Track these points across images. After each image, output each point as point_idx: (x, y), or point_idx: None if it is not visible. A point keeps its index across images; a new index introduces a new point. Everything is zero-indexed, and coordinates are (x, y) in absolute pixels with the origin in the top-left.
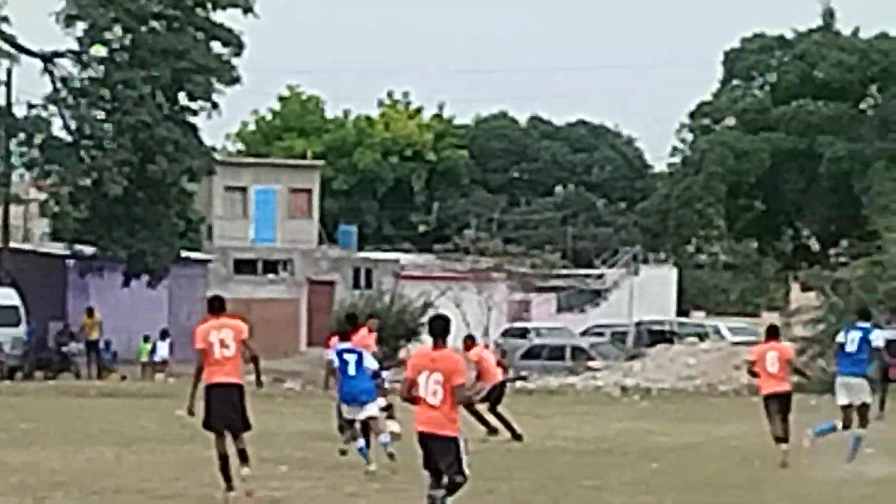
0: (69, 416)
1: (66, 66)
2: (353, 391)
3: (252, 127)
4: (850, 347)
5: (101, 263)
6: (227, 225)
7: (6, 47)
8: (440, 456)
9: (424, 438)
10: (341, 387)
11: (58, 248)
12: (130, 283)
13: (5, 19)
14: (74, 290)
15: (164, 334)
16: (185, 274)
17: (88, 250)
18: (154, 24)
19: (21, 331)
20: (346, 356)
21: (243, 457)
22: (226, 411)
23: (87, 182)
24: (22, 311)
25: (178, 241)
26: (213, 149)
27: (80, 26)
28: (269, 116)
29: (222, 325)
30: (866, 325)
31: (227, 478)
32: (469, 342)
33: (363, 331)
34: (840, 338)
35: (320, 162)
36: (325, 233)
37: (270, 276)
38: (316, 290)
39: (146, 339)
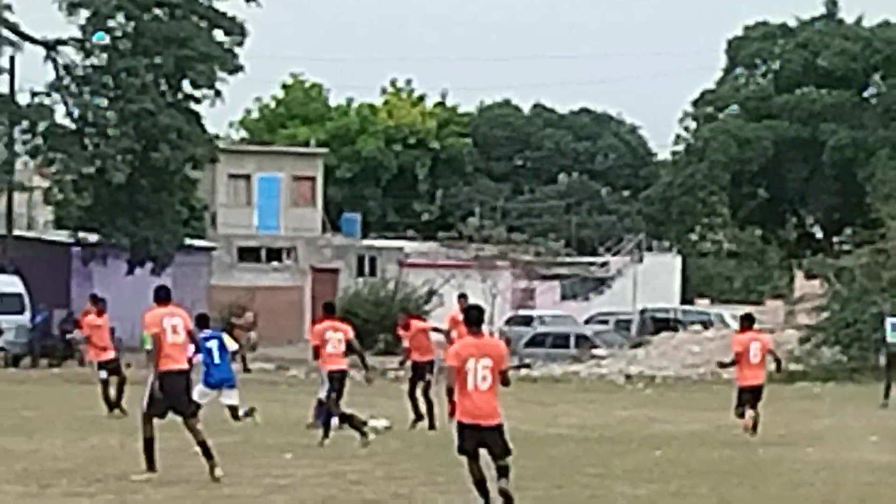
0: (73, 404)
1: (70, 53)
2: (218, 377)
3: (255, 115)
4: None
5: (105, 251)
6: (230, 213)
7: (9, 35)
8: (492, 442)
9: (479, 429)
10: (207, 373)
11: (62, 236)
12: (134, 271)
13: (8, 7)
14: (78, 278)
15: None
16: (189, 262)
17: (92, 238)
18: (157, 11)
19: (25, 318)
20: (208, 343)
21: (209, 454)
22: (176, 397)
23: (91, 170)
24: (26, 298)
25: (182, 228)
26: (217, 137)
27: (83, 14)
28: (272, 104)
29: (172, 312)
30: None
31: (152, 460)
32: (408, 319)
33: (415, 322)
34: (891, 335)
35: (324, 150)
36: (328, 221)
37: (274, 263)
38: (320, 278)
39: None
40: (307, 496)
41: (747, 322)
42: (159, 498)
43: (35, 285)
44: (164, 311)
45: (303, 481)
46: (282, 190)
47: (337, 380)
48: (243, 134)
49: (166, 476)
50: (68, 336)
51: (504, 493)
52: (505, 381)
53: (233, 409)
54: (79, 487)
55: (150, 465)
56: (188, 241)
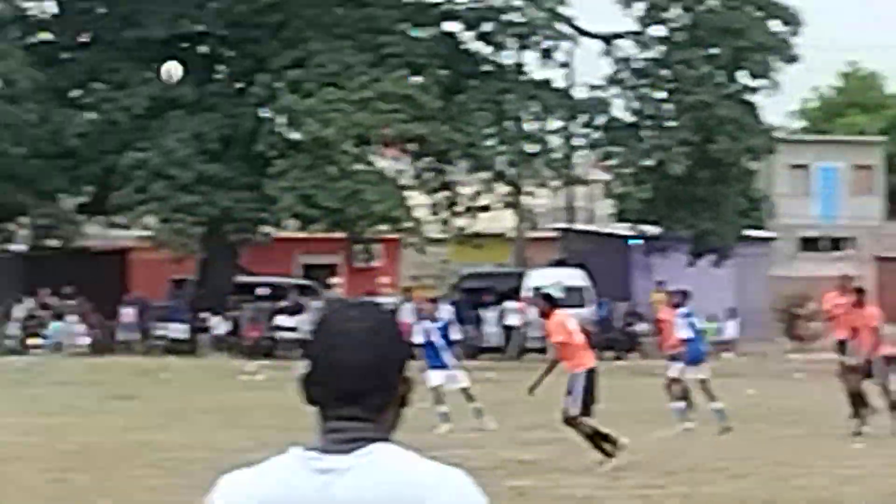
0: (640, 396)
1: (626, 47)
2: (440, 360)
3: (814, 104)
4: None
5: (665, 243)
6: (790, 203)
7: (566, 29)
8: None
9: None
10: (430, 355)
11: (620, 229)
12: (695, 263)
13: (563, 1)
14: (639, 270)
15: (731, 313)
16: (749, 253)
17: (652, 230)
18: (712, 2)
19: (587, 312)
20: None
21: (599, 446)
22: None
23: (650, 162)
24: (590, 292)
25: (741, 220)
26: (774, 127)
27: (639, 7)
28: (830, 93)
29: (568, 315)
30: None
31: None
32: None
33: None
34: None
35: (883, 138)
36: (890, 209)
37: (836, 253)
38: (884, 268)
39: (711, 318)
40: (881, 486)
41: None
42: (729, 490)
43: (597, 278)
44: (562, 315)
45: (874, 472)
46: (841, 179)
47: None
48: (802, 123)
49: (736, 468)
50: (630, 328)
51: None
52: None
53: (464, 391)
54: (650, 479)
55: (608, 449)
56: (747, 232)
